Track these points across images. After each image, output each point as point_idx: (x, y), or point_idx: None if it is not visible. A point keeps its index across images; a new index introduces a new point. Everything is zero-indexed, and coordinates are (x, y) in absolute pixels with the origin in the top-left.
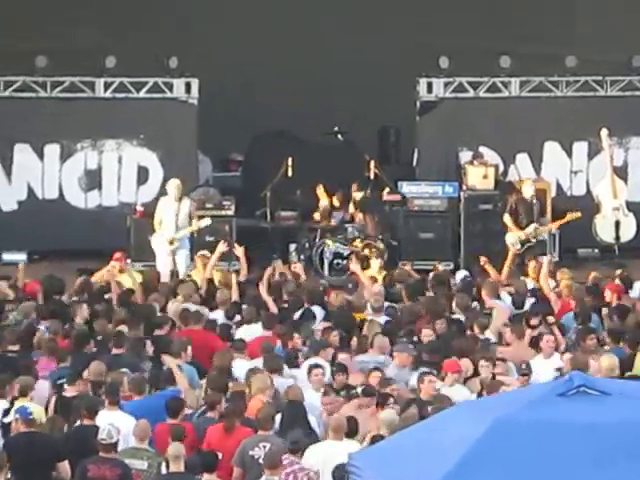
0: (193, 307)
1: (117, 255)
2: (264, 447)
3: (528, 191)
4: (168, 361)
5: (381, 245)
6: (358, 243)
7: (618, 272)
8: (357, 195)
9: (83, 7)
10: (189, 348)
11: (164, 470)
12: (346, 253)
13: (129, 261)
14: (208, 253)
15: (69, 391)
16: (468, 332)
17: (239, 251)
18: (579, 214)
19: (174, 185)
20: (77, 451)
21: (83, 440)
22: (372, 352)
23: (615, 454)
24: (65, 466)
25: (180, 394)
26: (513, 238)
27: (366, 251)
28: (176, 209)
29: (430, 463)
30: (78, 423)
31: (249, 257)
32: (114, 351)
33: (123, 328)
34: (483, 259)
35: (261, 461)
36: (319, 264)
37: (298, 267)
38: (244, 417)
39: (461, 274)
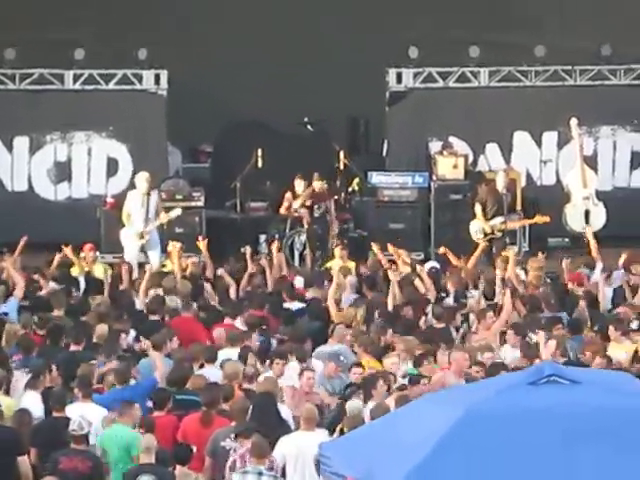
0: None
1: (89, 246)
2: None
3: (500, 183)
4: (151, 353)
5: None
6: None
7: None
8: (316, 185)
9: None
10: (174, 339)
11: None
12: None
13: (98, 253)
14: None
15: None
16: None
17: (202, 245)
18: (547, 219)
19: (143, 178)
20: (47, 443)
21: (53, 432)
22: (331, 341)
23: (585, 442)
24: (25, 461)
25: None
26: (477, 227)
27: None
28: (145, 202)
29: (401, 453)
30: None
31: (210, 250)
32: (72, 348)
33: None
34: (442, 249)
35: (232, 452)
36: (289, 255)
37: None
38: (220, 408)
39: (429, 265)
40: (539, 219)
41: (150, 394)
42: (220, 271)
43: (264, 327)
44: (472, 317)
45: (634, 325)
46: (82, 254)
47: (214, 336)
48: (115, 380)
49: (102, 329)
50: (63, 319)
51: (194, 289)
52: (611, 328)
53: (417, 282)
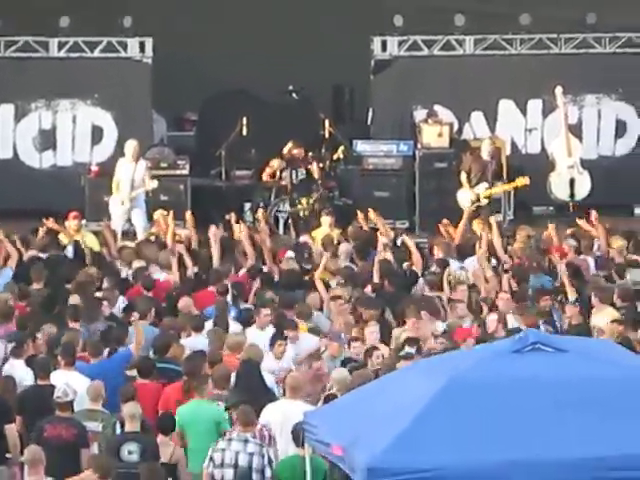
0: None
1: (74, 214)
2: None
3: (485, 150)
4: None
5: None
6: (304, 202)
7: (569, 230)
8: (292, 150)
9: None
10: (152, 309)
11: (118, 430)
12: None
13: (84, 221)
14: (165, 213)
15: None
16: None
17: (188, 216)
18: (527, 180)
19: (131, 146)
20: (33, 410)
21: (37, 399)
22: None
23: (569, 410)
24: (12, 428)
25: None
26: (464, 195)
27: (316, 205)
28: (132, 170)
29: (386, 420)
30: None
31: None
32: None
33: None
34: (445, 221)
35: None
36: (274, 223)
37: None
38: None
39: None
40: (519, 181)
41: (128, 364)
42: (211, 232)
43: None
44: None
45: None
46: (67, 222)
47: (179, 305)
48: (89, 352)
49: (75, 299)
50: (42, 291)
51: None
52: (593, 297)
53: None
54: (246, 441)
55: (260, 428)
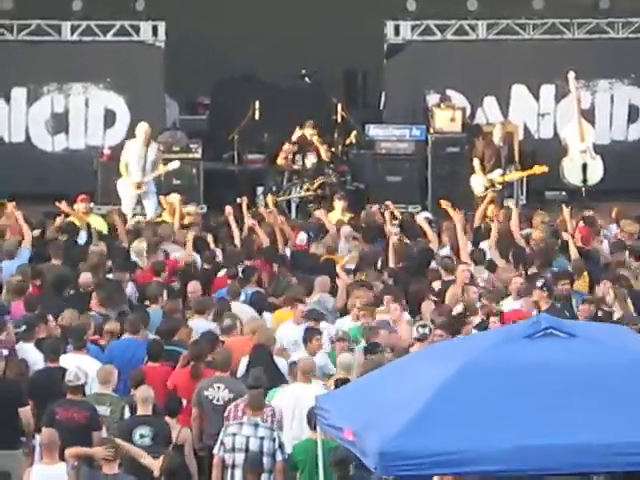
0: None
1: (82, 197)
2: (218, 388)
3: (497, 135)
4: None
5: (333, 179)
6: (309, 185)
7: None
8: (307, 132)
9: None
10: (165, 293)
11: (127, 414)
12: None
13: (92, 204)
14: (178, 197)
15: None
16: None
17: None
18: (546, 169)
19: (143, 129)
20: (43, 393)
21: (48, 382)
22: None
23: (582, 395)
24: (27, 411)
25: None
26: (478, 182)
27: (320, 191)
28: (143, 153)
29: (397, 405)
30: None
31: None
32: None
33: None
34: (444, 203)
35: (216, 402)
36: (286, 207)
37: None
38: (208, 360)
39: (422, 215)
40: (537, 169)
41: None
42: (228, 212)
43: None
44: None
45: (538, 283)
46: (75, 205)
47: (189, 289)
48: (127, 329)
49: (86, 277)
50: (61, 268)
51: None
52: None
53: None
54: (256, 425)
55: (269, 412)
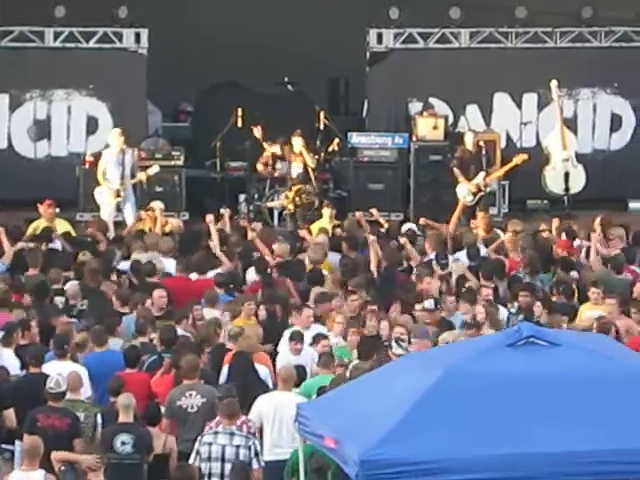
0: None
1: (47, 202)
2: (190, 395)
3: (469, 143)
4: None
5: (309, 188)
6: (289, 194)
7: (555, 224)
8: (296, 141)
9: None
10: (148, 301)
11: (99, 420)
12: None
13: (57, 210)
14: (160, 205)
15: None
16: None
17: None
18: (525, 156)
19: (116, 135)
20: (25, 399)
21: (31, 388)
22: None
23: (564, 404)
24: (11, 414)
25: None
26: (464, 190)
27: (298, 199)
28: (120, 160)
29: (379, 413)
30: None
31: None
32: None
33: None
34: (422, 220)
35: (190, 409)
36: (268, 215)
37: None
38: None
39: (406, 227)
40: (517, 159)
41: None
42: (209, 220)
43: (231, 286)
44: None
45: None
46: (41, 210)
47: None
48: (93, 341)
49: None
50: (38, 277)
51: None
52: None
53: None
54: (232, 434)
55: (242, 422)
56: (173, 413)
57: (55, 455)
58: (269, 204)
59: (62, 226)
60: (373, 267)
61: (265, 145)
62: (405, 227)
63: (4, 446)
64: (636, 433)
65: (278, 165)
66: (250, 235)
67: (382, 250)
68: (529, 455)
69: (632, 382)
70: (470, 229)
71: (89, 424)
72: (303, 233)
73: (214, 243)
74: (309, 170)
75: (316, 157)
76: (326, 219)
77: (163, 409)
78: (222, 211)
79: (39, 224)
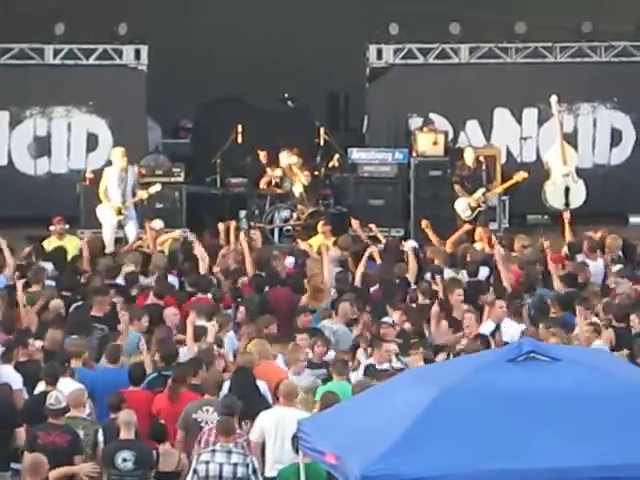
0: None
1: (57, 219)
2: (207, 410)
3: (469, 158)
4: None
5: (322, 208)
6: (300, 214)
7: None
8: (291, 159)
9: None
10: (144, 317)
11: (100, 437)
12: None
13: (67, 226)
14: (160, 223)
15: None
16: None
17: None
18: (525, 174)
19: (119, 153)
20: (35, 418)
21: (30, 406)
22: (337, 318)
23: (564, 420)
24: (22, 432)
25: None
26: (463, 205)
27: (310, 220)
28: (122, 178)
29: (379, 429)
30: (38, 390)
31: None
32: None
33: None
34: (425, 222)
35: (204, 424)
36: (269, 231)
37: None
38: (191, 383)
39: (409, 244)
40: (517, 176)
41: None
42: (194, 241)
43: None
44: None
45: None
46: (52, 227)
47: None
48: (107, 357)
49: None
50: (38, 294)
51: (171, 263)
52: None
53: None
54: (229, 452)
55: (239, 439)
56: (187, 426)
57: (52, 474)
58: (277, 225)
59: (72, 243)
60: (412, 276)
61: (268, 170)
62: (408, 244)
63: (13, 465)
64: (637, 448)
65: (281, 183)
66: (241, 237)
67: (380, 265)
68: (530, 471)
69: (633, 397)
70: (472, 246)
71: (88, 442)
72: (307, 249)
73: (204, 263)
74: (310, 188)
75: (316, 173)
76: (321, 235)
77: (178, 420)
78: (226, 224)
79: (50, 242)
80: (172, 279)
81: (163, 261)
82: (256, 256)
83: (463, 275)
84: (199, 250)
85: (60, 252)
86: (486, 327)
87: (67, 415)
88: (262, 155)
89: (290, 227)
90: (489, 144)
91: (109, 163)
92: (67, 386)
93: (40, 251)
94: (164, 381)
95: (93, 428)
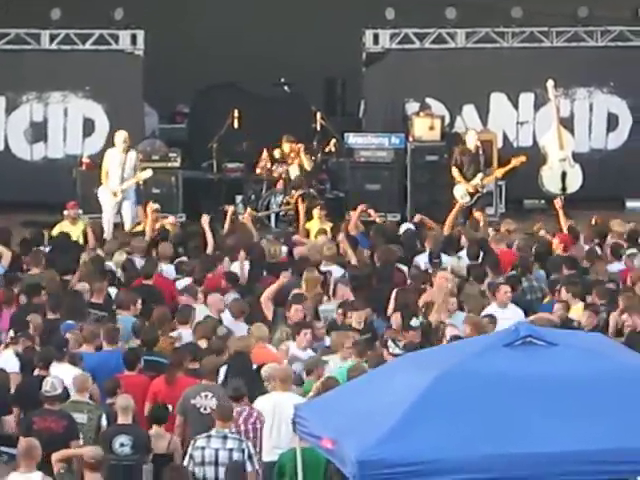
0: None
1: (70, 204)
2: (206, 396)
3: (471, 142)
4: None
5: (313, 191)
6: (289, 198)
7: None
8: (285, 147)
9: None
10: (138, 301)
11: (104, 422)
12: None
13: (80, 212)
14: (156, 206)
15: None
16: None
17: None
18: (524, 158)
19: (121, 137)
20: (21, 402)
21: (26, 391)
22: (335, 300)
23: (561, 404)
24: (10, 420)
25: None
26: (461, 190)
27: (300, 205)
28: (122, 161)
29: (376, 414)
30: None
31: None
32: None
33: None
34: (418, 217)
35: (202, 410)
36: (266, 217)
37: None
38: (188, 368)
39: (404, 227)
40: (515, 161)
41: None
42: (204, 220)
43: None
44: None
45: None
46: (65, 212)
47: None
48: (105, 339)
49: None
50: (40, 276)
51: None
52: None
53: None
54: (225, 437)
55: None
56: (186, 410)
57: (55, 455)
58: (268, 212)
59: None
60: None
61: (264, 153)
62: (403, 227)
63: (3, 449)
64: (635, 431)
65: (275, 167)
66: (242, 218)
67: (377, 249)
68: (528, 455)
69: (630, 381)
70: (470, 228)
71: (92, 426)
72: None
73: (210, 243)
74: (305, 173)
75: (313, 158)
76: (317, 220)
77: (177, 405)
78: (225, 209)
79: (62, 226)
80: (167, 267)
81: (170, 251)
82: (243, 240)
83: (463, 258)
84: (209, 234)
85: (62, 237)
86: (491, 311)
87: (71, 400)
88: (265, 158)
89: (282, 211)
90: (485, 129)
91: (108, 147)
92: (66, 372)
93: (41, 237)
94: (149, 366)
95: (97, 413)
